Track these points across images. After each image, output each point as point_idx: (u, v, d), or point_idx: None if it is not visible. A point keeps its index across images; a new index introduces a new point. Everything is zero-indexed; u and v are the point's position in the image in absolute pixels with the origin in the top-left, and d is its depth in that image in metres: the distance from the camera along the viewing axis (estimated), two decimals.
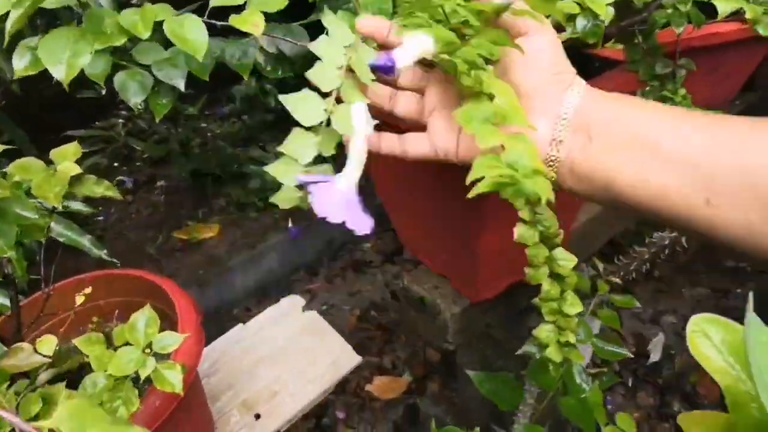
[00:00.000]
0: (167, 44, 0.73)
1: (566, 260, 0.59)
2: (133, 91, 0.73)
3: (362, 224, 0.42)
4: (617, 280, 0.77)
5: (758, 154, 0.37)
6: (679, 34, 0.56)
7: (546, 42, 0.43)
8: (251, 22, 0.53)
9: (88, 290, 0.66)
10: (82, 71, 0.68)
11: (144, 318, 0.60)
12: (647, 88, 0.68)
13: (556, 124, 0.43)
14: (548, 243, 0.61)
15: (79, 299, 0.64)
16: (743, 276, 1.53)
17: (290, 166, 0.45)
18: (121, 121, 1.53)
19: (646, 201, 0.41)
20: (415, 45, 0.42)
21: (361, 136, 0.44)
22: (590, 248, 1.03)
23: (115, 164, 1.86)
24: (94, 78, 0.67)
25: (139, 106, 0.77)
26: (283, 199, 0.47)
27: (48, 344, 0.57)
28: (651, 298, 1.54)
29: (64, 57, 0.50)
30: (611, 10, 0.48)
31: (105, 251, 0.90)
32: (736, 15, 0.62)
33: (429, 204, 0.79)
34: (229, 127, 1.83)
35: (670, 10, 0.55)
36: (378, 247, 1.72)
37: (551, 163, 0.44)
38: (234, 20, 0.57)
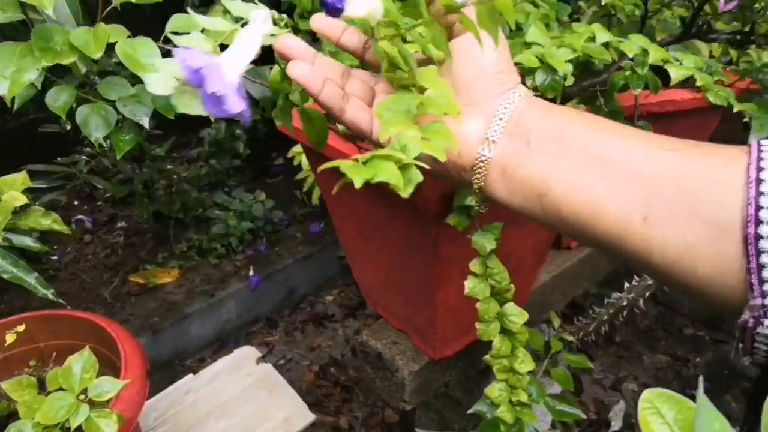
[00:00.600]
0: (135, 81, 0.72)
1: (517, 316, 0.58)
2: (95, 126, 0.71)
3: (239, 106, 0.39)
4: (573, 340, 0.76)
5: (700, 171, 0.35)
6: (637, 95, 0.57)
7: (491, 40, 0.40)
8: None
9: (20, 328, 0.62)
10: (42, 98, 0.66)
11: (81, 361, 0.57)
12: None
13: (491, 123, 0.41)
14: (499, 298, 0.60)
15: (10, 338, 0.60)
16: (701, 344, 1.54)
17: None
18: (84, 158, 1.49)
19: (580, 212, 0.38)
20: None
21: (256, 26, 0.42)
22: (551, 308, 1.02)
23: (76, 202, 1.82)
24: (56, 111, 0.65)
25: (103, 144, 0.75)
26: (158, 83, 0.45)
27: None
28: (612, 364, 1.53)
29: (8, 72, 0.48)
30: (570, 67, 0.49)
31: (52, 290, 0.85)
32: (689, 82, 0.64)
33: (391, 255, 0.78)
34: (195, 170, 1.81)
35: (628, 72, 0.56)
36: (340, 300, 1.69)
37: (480, 164, 0.41)
38: (188, 41, 0.57)
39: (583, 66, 0.63)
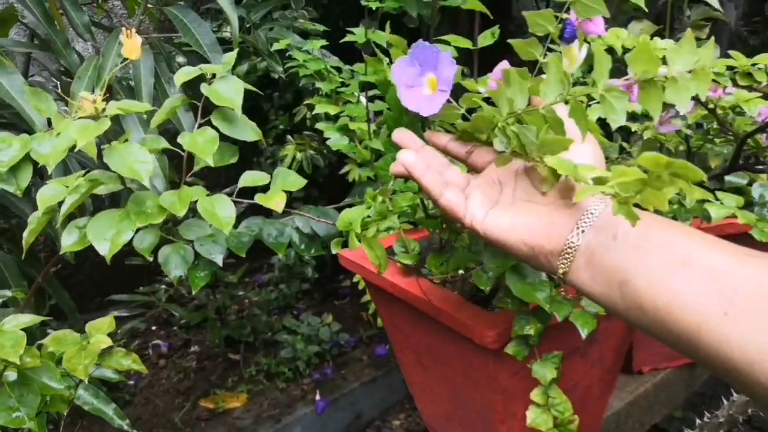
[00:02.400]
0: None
1: None
2: (174, 265, 0.78)
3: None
4: None
5: None
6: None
7: (589, 148, 0.47)
8: (275, 201, 0.58)
9: None
10: (130, 243, 0.73)
11: None
12: None
13: (583, 214, 0.44)
14: (563, 429, 0.59)
15: None
16: None
17: None
18: (163, 287, 1.59)
19: (659, 302, 0.39)
20: None
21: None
22: None
23: (154, 327, 1.90)
24: (142, 252, 0.72)
25: (181, 281, 0.81)
26: None
27: None
28: None
29: (109, 235, 0.55)
30: None
31: (127, 421, 0.89)
32: None
33: (451, 388, 0.78)
34: (266, 294, 1.88)
35: (675, 206, 0.58)
36: (407, 425, 1.65)
37: (568, 251, 0.44)
38: (260, 198, 0.63)
39: None
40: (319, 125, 0.77)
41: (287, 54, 0.86)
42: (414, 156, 0.51)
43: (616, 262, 0.42)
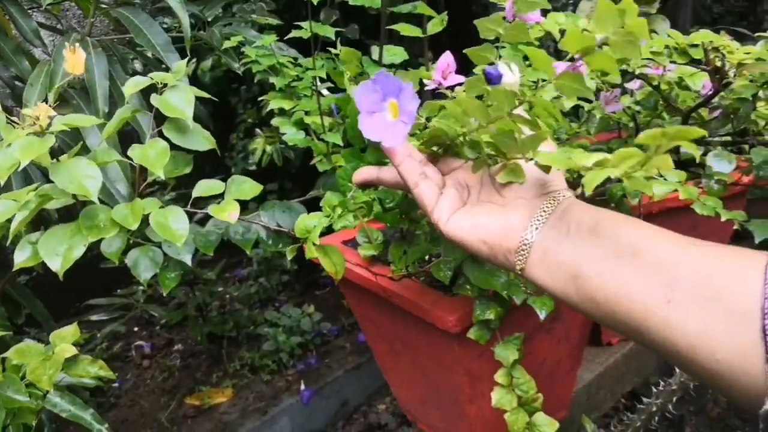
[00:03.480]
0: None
1: (547, 425, 0.58)
2: (144, 267, 0.78)
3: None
4: None
5: (722, 264, 0.37)
6: (638, 203, 0.59)
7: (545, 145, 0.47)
8: (227, 212, 0.58)
9: None
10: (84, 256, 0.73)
11: None
12: None
13: (535, 213, 0.46)
14: (528, 408, 0.60)
15: None
16: None
17: None
18: (141, 288, 1.58)
19: (608, 294, 0.41)
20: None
21: None
22: (599, 408, 0.99)
23: (135, 329, 1.90)
24: (110, 257, 0.72)
25: (151, 283, 0.80)
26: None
27: None
28: None
29: (60, 250, 0.55)
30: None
31: (106, 425, 0.89)
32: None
33: (422, 373, 0.79)
34: (246, 289, 1.88)
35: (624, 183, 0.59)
36: (393, 408, 1.67)
37: (523, 248, 0.45)
38: (213, 210, 0.63)
39: None
40: (274, 120, 0.77)
41: (241, 50, 0.86)
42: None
43: (568, 257, 0.43)
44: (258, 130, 1.63)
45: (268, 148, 1.59)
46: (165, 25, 1.47)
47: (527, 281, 0.47)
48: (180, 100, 0.59)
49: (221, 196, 0.64)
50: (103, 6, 1.02)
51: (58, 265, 0.54)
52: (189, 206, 0.62)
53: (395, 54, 0.75)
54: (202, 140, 0.62)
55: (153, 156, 0.57)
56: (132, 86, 0.60)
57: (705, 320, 0.36)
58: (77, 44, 0.60)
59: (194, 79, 1.49)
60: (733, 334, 0.35)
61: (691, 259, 0.39)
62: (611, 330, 0.44)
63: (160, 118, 0.63)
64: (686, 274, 0.38)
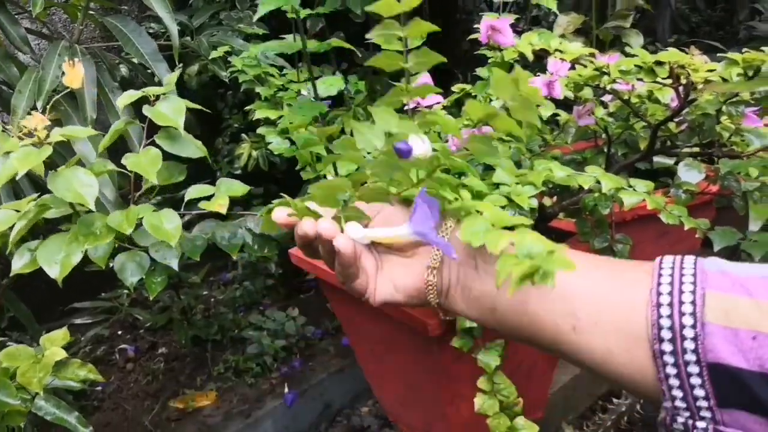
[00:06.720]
0: None
1: (527, 429, 0.61)
2: (130, 272, 0.79)
3: None
4: None
5: (621, 292, 0.41)
6: (609, 212, 0.62)
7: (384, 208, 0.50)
8: (218, 203, 0.60)
9: None
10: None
11: None
12: None
13: (430, 255, 0.48)
14: (509, 412, 0.63)
15: None
16: None
17: None
18: (125, 291, 1.59)
19: (523, 325, 0.44)
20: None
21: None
22: (576, 408, 1.02)
23: (120, 332, 1.90)
24: (97, 261, 0.73)
25: (137, 288, 0.81)
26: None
27: None
28: None
29: (58, 258, 0.56)
30: (535, 202, 0.55)
31: (90, 429, 0.91)
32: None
33: (403, 375, 0.82)
34: (231, 293, 1.89)
35: (597, 194, 0.61)
36: (376, 411, 1.69)
37: (430, 287, 0.48)
38: (204, 204, 0.65)
39: (564, 188, 0.69)
40: (260, 129, 0.79)
41: (227, 59, 0.88)
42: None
43: (481, 292, 0.46)
44: (244, 135, 1.64)
45: (254, 153, 1.60)
46: (152, 30, 1.48)
47: (451, 314, 0.50)
48: (172, 110, 0.61)
49: (210, 198, 0.66)
50: (92, 13, 1.03)
51: (56, 272, 0.56)
52: (182, 209, 0.64)
53: (332, 84, 0.77)
54: (194, 148, 0.64)
55: (146, 163, 0.59)
56: (126, 99, 0.62)
57: (608, 342, 0.40)
58: (76, 59, 0.62)
59: (181, 84, 1.50)
60: (630, 355, 0.39)
61: (590, 287, 0.42)
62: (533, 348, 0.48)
63: (150, 127, 0.65)
64: (586, 303, 0.41)
